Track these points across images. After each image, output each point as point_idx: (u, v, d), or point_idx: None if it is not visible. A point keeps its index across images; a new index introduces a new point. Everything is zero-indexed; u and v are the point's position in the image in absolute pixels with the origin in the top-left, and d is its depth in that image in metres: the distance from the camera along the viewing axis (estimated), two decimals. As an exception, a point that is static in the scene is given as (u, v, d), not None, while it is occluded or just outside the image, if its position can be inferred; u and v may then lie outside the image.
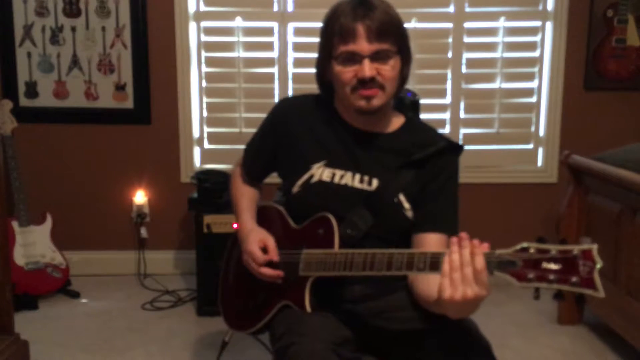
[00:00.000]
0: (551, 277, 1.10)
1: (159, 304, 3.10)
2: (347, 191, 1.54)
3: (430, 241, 1.49)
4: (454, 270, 1.18)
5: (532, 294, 1.15)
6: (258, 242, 1.59)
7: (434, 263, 1.25)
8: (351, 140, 1.59)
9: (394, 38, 1.48)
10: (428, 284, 1.39)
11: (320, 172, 1.57)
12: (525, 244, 1.14)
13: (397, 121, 1.63)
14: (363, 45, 1.46)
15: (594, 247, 1.09)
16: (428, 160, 1.54)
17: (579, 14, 3.38)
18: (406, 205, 1.53)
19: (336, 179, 1.56)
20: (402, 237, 1.53)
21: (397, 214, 1.53)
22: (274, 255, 1.57)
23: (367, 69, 1.46)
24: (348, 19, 1.46)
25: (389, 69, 1.48)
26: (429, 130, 1.65)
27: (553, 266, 1.10)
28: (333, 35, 1.49)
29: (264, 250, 1.58)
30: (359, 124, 1.59)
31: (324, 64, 1.56)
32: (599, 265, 1.08)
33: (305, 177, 1.58)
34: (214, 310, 2.73)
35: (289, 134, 1.64)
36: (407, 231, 1.54)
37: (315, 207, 1.54)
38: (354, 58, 1.47)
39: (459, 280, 1.17)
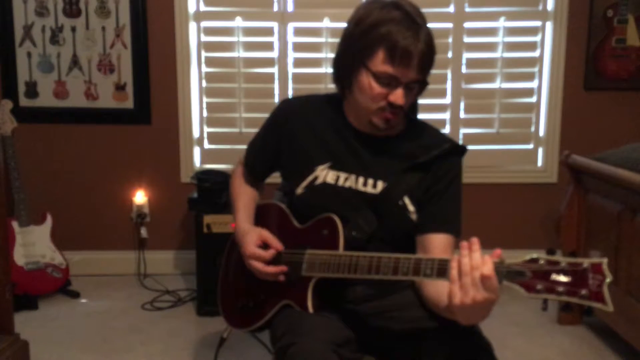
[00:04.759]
0: (560, 289, 1.11)
1: (159, 304, 3.10)
2: (351, 194, 1.54)
3: (435, 242, 1.49)
4: (464, 274, 1.17)
5: (540, 304, 1.15)
6: (256, 242, 1.59)
7: (441, 269, 1.25)
8: (356, 143, 1.57)
9: (430, 69, 1.47)
10: (436, 288, 1.39)
11: (325, 174, 1.56)
12: (535, 255, 1.14)
13: (401, 123, 1.62)
14: (411, 74, 1.43)
15: (604, 261, 1.09)
16: (432, 163, 1.53)
17: (579, 14, 3.38)
18: (411, 207, 1.52)
19: (340, 182, 1.55)
20: (406, 240, 1.53)
21: (402, 217, 1.52)
22: (277, 245, 1.57)
23: (402, 97, 1.44)
24: (407, 41, 1.39)
25: (413, 97, 1.49)
26: (432, 131, 1.64)
27: (562, 278, 1.11)
28: (379, 46, 1.41)
29: (265, 247, 1.58)
30: (365, 127, 1.57)
31: (351, 67, 1.48)
32: (608, 279, 1.08)
33: (310, 178, 1.58)
34: (214, 310, 2.74)
35: (292, 135, 1.63)
36: (411, 234, 1.53)
37: (319, 209, 1.54)
38: (393, 81, 1.43)
39: (469, 284, 1.16)
